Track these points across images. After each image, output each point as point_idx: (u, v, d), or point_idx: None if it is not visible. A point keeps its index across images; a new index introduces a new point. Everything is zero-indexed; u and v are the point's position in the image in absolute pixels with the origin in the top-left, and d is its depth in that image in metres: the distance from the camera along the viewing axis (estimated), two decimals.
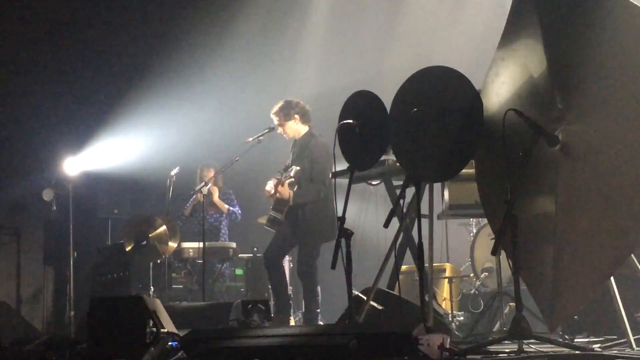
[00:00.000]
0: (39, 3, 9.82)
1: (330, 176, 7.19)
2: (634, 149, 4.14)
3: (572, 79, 4.42)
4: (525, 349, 4.29)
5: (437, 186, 5.70)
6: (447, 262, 8.39)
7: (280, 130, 7.41)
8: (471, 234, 8.63)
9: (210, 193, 8.86)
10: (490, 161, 4.76)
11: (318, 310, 7.28)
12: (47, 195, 8.85)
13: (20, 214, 9.78)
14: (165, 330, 4.67)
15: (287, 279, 7.80)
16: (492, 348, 4.52)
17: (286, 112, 7.33)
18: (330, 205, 7.19)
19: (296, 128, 7.39)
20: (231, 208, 9.21)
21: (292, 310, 7.71)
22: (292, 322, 7.78)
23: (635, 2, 4.21)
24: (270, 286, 7.84)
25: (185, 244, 8.68)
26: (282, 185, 7.13)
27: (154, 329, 4.64)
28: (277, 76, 10.46)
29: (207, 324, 5.75)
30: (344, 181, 5.13)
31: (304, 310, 7.45)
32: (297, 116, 7.34)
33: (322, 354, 3.87)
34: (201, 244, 7.97)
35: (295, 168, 7.13)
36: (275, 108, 7.37)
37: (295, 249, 7.58)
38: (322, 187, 7.17)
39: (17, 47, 9.78)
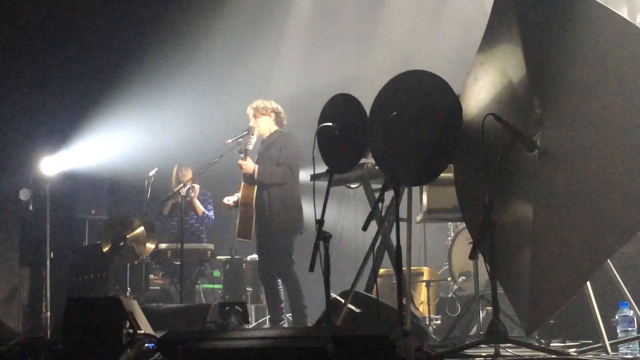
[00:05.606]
0: (16, 4, 9.75)
1: (298, 165, 7.34)
2: (611, 155, 4.16)
3: (551, 85, 4.44)
4: (501, 353, 4.31)
5: (415, 190, 5.71)
6: (425, 265, 8.40)
7: (252, 122, 7.45)
8: (449, 238, 8.66)
9: (191, 190, 8.79)
10: (469, 166, 4.77)
11: (305, 305, 7.19)
12: (24, 195, 8.78)
13: None
14: (142, 331, 4.64)
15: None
16: (469, 352, 4.54)
17: (263, 107, 7.45)
18: (296, 194, 7.30)
19: (268, 125, 7.47)
20: (206, 212, 9.18)
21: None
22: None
23: (613, 9, 4.24)
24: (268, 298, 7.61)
25: (163, 245, 8.64)
26: (245, 158, 7.24)
27: (131, 331, 4.61)
28: (256, 78, 10.46)
29: (184, 325, 5.73)
30: (322, 184, 5.12)
31: (290, 311, 7.37)
32: (272, 114, 7.46)
33: (299, 357, 3.86)
34: (179, 245, 7.94)
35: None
36: (255, 102, 7.49)
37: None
38: (288, 171, 7.25)
39: None
